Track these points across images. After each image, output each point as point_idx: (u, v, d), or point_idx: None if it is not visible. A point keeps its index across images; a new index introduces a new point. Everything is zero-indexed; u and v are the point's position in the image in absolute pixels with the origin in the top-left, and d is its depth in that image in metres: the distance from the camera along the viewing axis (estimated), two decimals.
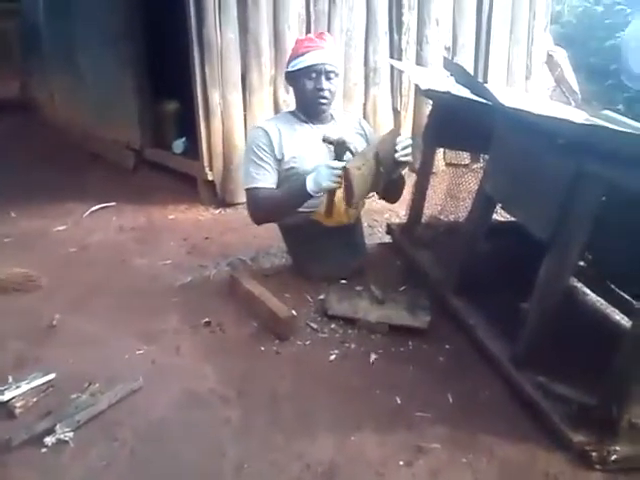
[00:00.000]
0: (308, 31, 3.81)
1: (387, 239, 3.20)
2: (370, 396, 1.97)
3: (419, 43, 4.28)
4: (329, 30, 3.85)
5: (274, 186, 2.58)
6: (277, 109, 3.81)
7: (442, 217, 3.01)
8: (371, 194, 2.63)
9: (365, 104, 4.21)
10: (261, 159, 2.56)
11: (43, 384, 1.94)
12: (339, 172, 2.31)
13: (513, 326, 2.03)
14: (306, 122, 2.66)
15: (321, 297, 2.52)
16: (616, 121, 2.23)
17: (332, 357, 2.17)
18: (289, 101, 3.69)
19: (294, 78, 2.64)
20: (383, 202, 2.97)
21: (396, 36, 4.18)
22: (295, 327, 2.30)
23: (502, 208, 2.45)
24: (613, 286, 2.55)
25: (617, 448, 1.66)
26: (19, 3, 5.88)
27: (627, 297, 2.45)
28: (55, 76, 5.41)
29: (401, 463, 1.69)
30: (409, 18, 4.17)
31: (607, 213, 1.78)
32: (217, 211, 3.77)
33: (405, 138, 2.42)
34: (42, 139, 5.21)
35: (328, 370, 2.10)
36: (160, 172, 4.29)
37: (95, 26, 4.56)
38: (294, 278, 2.70)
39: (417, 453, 1.72)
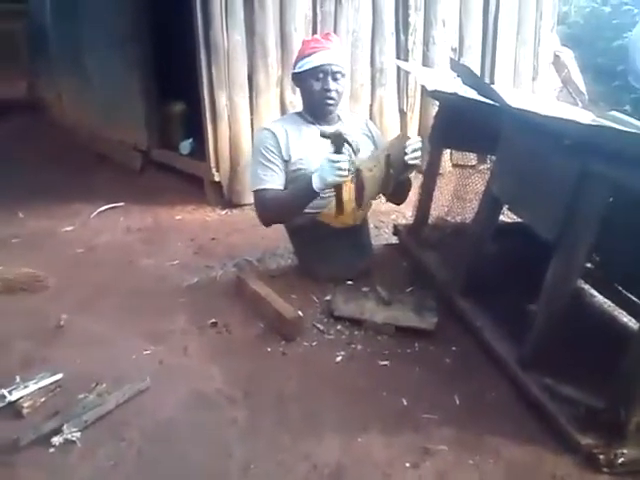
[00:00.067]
0: (314, 32, 3.81)
1: (394, 240, 3.20)
2: (376, 397, 1.96)
3: (426, 44, 4.27)
4: (335, 31, 3.85)
5: (282, 187, 2.57)
6: (284, 110, 3.81)
7: (449, 218, 3.01)
8: (379, 196, 2.63)
9: (371, 105, 4.21)
10: (269, 160, 2.56)
11: (50, 384, 1.95)
12: (341, 165, 2.30)
13: (520, 328, 2.02)
14: (313, 123, 2.66)
15: (327, 298, 2.52)
16: (623, 122, 2.22)
17: (338, 358, 2.16)
18: (296, 102, 3.69)
19: (301, 79, 2.64)
20: (389, 203, 2.97)
21: (402, 37, 4.18)
22: (301, 328, 2.30)
23: (509, 209, 2.45)
24: (620, 288, 2.54)
25: (625, 451, 1.65)
26: (26, 4, 5.91)
27: (635, 299, 2.45)
28: (62, 77, 5.43)
29: (407, 465, 1.69)
30: (415, 19, 4.17)
31: (614, 214, 1.78)
32: (224, 212, 3.77)
33: (415, 141, 2.42)
34: (50, 140, 5.23)
35: (334, 371, 2.10)
36: (167, 173, 4.30)
37: (102, 28, 4.57)
38: (300, 279, 2.70)
39: (424, 455, 1.72)
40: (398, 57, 4.19)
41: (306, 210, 2.55)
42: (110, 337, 2.28)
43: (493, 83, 4.25)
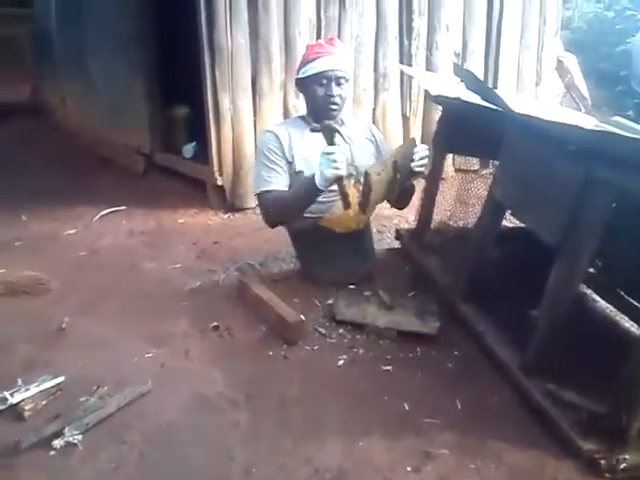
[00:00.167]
0: (318, 36, 3.82)
1: (396, 245, 3.20)
2: (378, 402, 1.96)
3: (429, 49, 4.28)
4: (339, 36, 3.86)
5: (286, 189, 2.57)
6: (287, 114, 3.82)
7: (451, 223, 3.01)
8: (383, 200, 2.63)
9: (374, 110, 4.22)
10: (273, 162, 2.57)
11: (52, 387, 1.95)
12: (335, 157, 2.28)
13: (522, 333, 2.02)
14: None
15: (329, 302, 2.52)
16: (626, 127, 2.22)
17: (340, 362, 2.16)
18: (299, 106, 3.70)
19: (305, 85, 2.64)
20: (392, 208, 2.97)
21: (406, 42, 4.19)
22: (303, 332, 2.30)
23: (511, 214, 2.45)
24: (623, 293, 2.54)
25: (626, 456, 1.64)
26: (31, 9, 5.93)
27: (637, 304, 2.45)
28: (67, 81, 5.44)
29: (409, 469, 1.69)
30: (419, 24, 4.18)
31: (617, 220, 1.77)
32: (226, 216, 3.78)
33: (423, 149, 2.42)
34: (53, 143, 5.24)
35: (336, 375, 2.10)
36: (170, 177, 4.31)
37: (107, 31, 4.59)
38: (303, 283, 2.70)
39: (425, 459, 1.72)
40: (401, 62, 4.20)
41: (308, 214, 2.55)
42: (112, 340, 2.28)
43: (496, 88, 4.25)
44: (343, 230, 2.62)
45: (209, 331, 2.34)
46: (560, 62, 5.69)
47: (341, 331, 2.34)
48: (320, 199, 2.47)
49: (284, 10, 3.73)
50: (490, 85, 4.25)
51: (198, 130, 3.97)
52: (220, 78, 3.59)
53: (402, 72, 4.17)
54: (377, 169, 2.34)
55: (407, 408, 1.93)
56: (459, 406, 1.95)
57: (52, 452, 1.70)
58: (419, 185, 2.93)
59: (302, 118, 2.73)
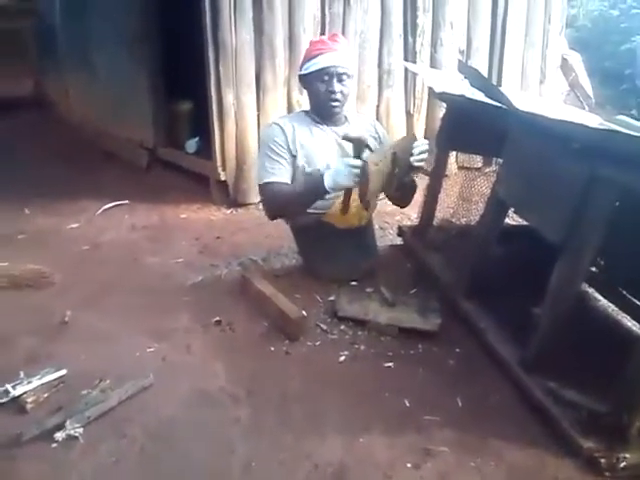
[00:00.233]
0: (323, 33, 3.81)
1: (398, 241, 3.20)
2: (379, 398, 1.97)
3: (433, 46, 4.27)
4: (344, 32, 3.86)
5: (289, 181, 2.58)
6: (290, 110, 3.81)
7: (454, 220, 3.01)
8: (382, 195, 2.62)
9: (378, 106, 4.21)
10: (277, 154, 2.57)
11: (54, 380, 1.96)
12: (358, 171, 2.30)
13: (524, 330, 2.02)
14: (320, 123, 2.66)
15: (331, 298, 2.52)
16: (631, 126, 2.21)
17: (342, 358, 2.17)
18: (303, 102, 3.69)
19: (307, 81, 2.64)
20: (394, 205, 2.96)
21: (410, 38, 4.18)
22: (305, 328, 2.30)
23: (515, 212, 2.45)
24: (625, 292, 2.54)
25: (627, 455, 1.65)
26: (35, 2, 5.92)
27: (639, 303, 2.44)
28: (70, 75, 5.44)
29: (409, 465, 1.69)
30: (424, 20, 4.17)
31: (619, 218, 1.77)
32: (229, 211, 3.78)
33: (422, 143, 2.40)
34: (56, 137, 5.24)
35: (337, 371, 2.10)
36: (173, 171, 4.31)
37: (111, 26, 4.58)
38: (305, 279, 2.70)
39: (425, 456, 1.72)
40: (406, 59, 4.19)
41: (311, 210, 2.56)
42: (114, 334, 2.29)
43: (500, 86, 4.24)
44: (345, 226, 2.62)
45: (211, 326, 2.35)
46: (564, 60, 5.69)
47: (343, 327, 2.35)
48: None
49: (288, 6, 3.72)
50: (494, 82, 4.24)
51: (201, 125, 3.97)
52: (224, 73, 3.59)
53: (406, 69, 4.16)
54: (375, 159, 2.31)
55: (408, 405, 1.94)
56: (460, 403, 1.95)
57: (54, 444, 1.71)
58: (422, 182, 2.93)
59: (306, 113, 2.73)
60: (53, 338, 2.26)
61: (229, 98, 3.64)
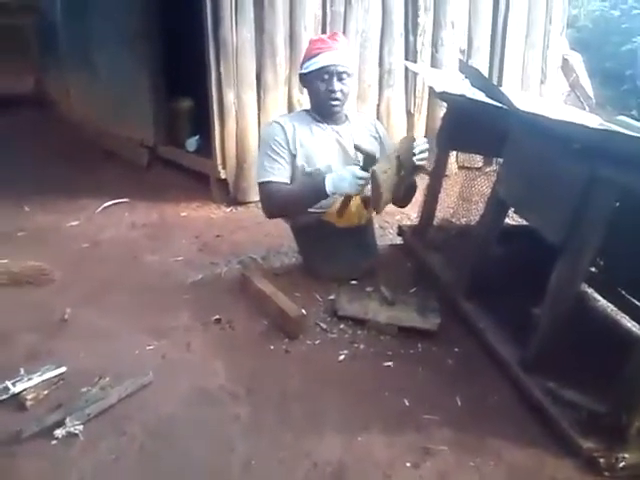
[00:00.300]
0: (324, 32, 3.82)
1: (398, 241, 3.20)
2: (378, 397, 1.97)
3: (434, 45, 4.27)
4: (345, 31, 3.86)
5: (288, 181, 2.58)
6: (291, 109, 3.82)
7: (454, 220, 3.01)
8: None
9: (379, 105, 4.22)
10: (277, 153, 2.57)
11: (54, 377, 1.96)
12: (363, 182, 2.33)
13: (523, 330, 2.02)
14: (320, 122, 2.67)
15: (331, 297, 2.52)
16: (631, 126, 2.22)
17: (341, 357, 2.17)
18: (303, 101, 3.70)
19: (307, 80, 2.64)
20: (394, 205, 2.96)
21: (411, 38, 4.18)
22: (305, 326, 2.30)
23: (515, 212, 2.45)
24: (624, 292, 2.54)
25: (626, 455, 1.65)
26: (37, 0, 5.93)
27: (638, 304, 2.45)
28: (71, 73, 5.44)
29: (408, 465, 1.69)
30: (425, 20, 4.17)
31: (618, 219, 1.78)
32: (229, 209, 3.78)
33: (422, 142, 2.42)
34: (57, 135, 5.25)
35: (337, 370, 2.11)
36: (173, 170, 4.31)
37: (112, 24, 4.58)
38: (304, 278, 2.71)
39: (424, 455, 1.72)
40: (407, 58, 4.19)
41: (311, 209, 2.56)
42: (114, 331, 2.29)
43: (501, 86, 4.24)
44: (345, 225, 2.62)
45: (211, 324, 2.35)
46: (565, 61, 5.69)
47: (342, 326, 2.35)
48: None
49: (290, 5, 3.72)
50: (495, 82, 4.24)
51: (202, 123, 3.98)
52: (225, 72, 3.59)
53: (407, 68, 4.16)
54: (383, 167, 2.33)
55: (407, 404, 1.94)
56: (459, 403, 1.96)
57: (53, 442, 1.70)
58: (422, 182, 2.93)
59: (307, 112, 2.74)
60: (53, 335, 2.25)
61: (230, 97, 3.64)
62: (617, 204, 1.79)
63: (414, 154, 2.37)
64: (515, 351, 2.06)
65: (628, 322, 2.47)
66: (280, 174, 2.57)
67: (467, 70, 2.61)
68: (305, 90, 2.83)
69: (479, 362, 2.17)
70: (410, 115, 4.33)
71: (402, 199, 2.73)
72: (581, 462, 1.68)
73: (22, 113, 5.69)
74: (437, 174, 2.98)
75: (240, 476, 1.64)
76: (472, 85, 2.46)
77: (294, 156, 2.58)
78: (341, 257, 2.65)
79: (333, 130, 2.67)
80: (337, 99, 2.60)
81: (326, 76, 2.56)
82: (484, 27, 4.39)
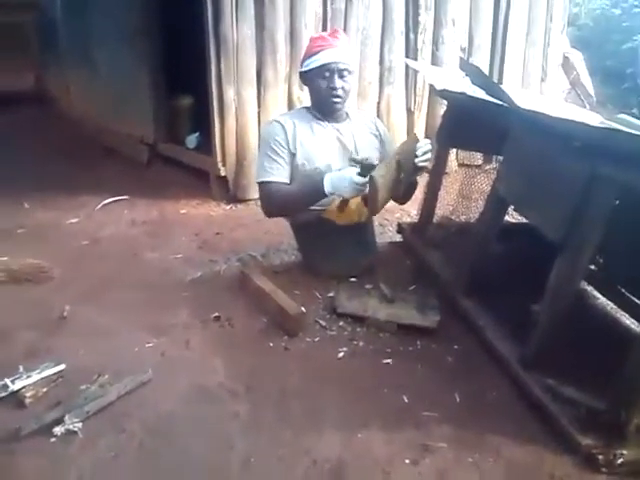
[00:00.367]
0: (324, 29, 3.81)
1: (398, 238, 3.20)
2: (378, 394, 1.97)
3: (435, 43, 4.27)
4: (345, 28, 3.86)
5: (287, 180, 2.58)
6: (291, 106, 3.81)
7: (454, 217, 3.01)
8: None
9: (379, 103, 4.21)
10: (276, 153, 2.57)
11: (53, 374, 1.96)
12: (361, 188, 2.33)
13: (523, 328, 2.02)
14: (321, 120, 2.66)
15: (330, 294, 2.52)
16: (631, 124, 2.21)
17: (340, 355, 2.17)
18: (303, 98, 3.70)
19: (308, 78, 2.64)
20: (394, 202, 2.96)
21: (412, 36, 4.18)
22: (304, 324, 2.30)
23: (515, 209, 2.44)
24: (623, 290, 2.54)
25: (624, 452, 1.65)
26: None
27: (637, 301, 2.45)
28: (71, 70, 5.44)
29: (407, 461, 1.69)
30: (425, 18, 4.16)
31: (618, 216, 1.78)
32: (229, 207, 3.78)
33: (426, 144, 2.42)
34: (57, 132, 5.24)
35: (336, 367, 2.11)
36: (173, 167, 4.31)
37: (112, 21, 4.58)
38: (304, 275, 2.71)
39: (423, 452, 1.72)
40: (407, 56, 4.19)
41: (311, 207, 2.56)
42: (113, 329, 2.29)
43: (502, 83, 4.24)
44: (345, 223, 2.61)
45: (210, 321, 2.35)
46: (566, 59, 5.68)
47: (341, 323, 2.35)
48: None
49: (290, 2, 3.72)
50: (495, 80, 4.24)
51: (202, 121, 3.97)
52: (225, 69, 3.59)
53: (407, 66, 4.16)
54: (382, 172, 2.33)
55: (406, 401, 1.94)
56: (458, 400, 1.96)
57: (52, 439, 1.70)
58: (422, 179, 2.93)
59: (307, 110, 2.73)
60: (52, 333, 2.25)
61: (230, 94, 3.64)
62: (617, 202, 1.79)
63: (416, 155, 2.38)
64: (514, 348, 2.06)
65: (627, 320, 2.47)
66: (280, 174, 2.57)
67: (468, 68, 2.61)
68: (305, 87, 2.82)
69: (478, 359, 2.17)
70: (410, 113, 4.32)
71: (402, 197, 2.73)
72: (580, 459, 1.69)
73: (22, 110, 5.69)
74: (437, 171, 2.98)
75: (239, 473, 1.64)
76: (472, 83, 2.45)
77: (294, 155, 2.58)
78: (341, 254, 2.65)
79: (334, 128, 2.66)
80: (338, 96, 2.59)
81: (327, 73, 2.55)
82: (485, 25, 4.38)
